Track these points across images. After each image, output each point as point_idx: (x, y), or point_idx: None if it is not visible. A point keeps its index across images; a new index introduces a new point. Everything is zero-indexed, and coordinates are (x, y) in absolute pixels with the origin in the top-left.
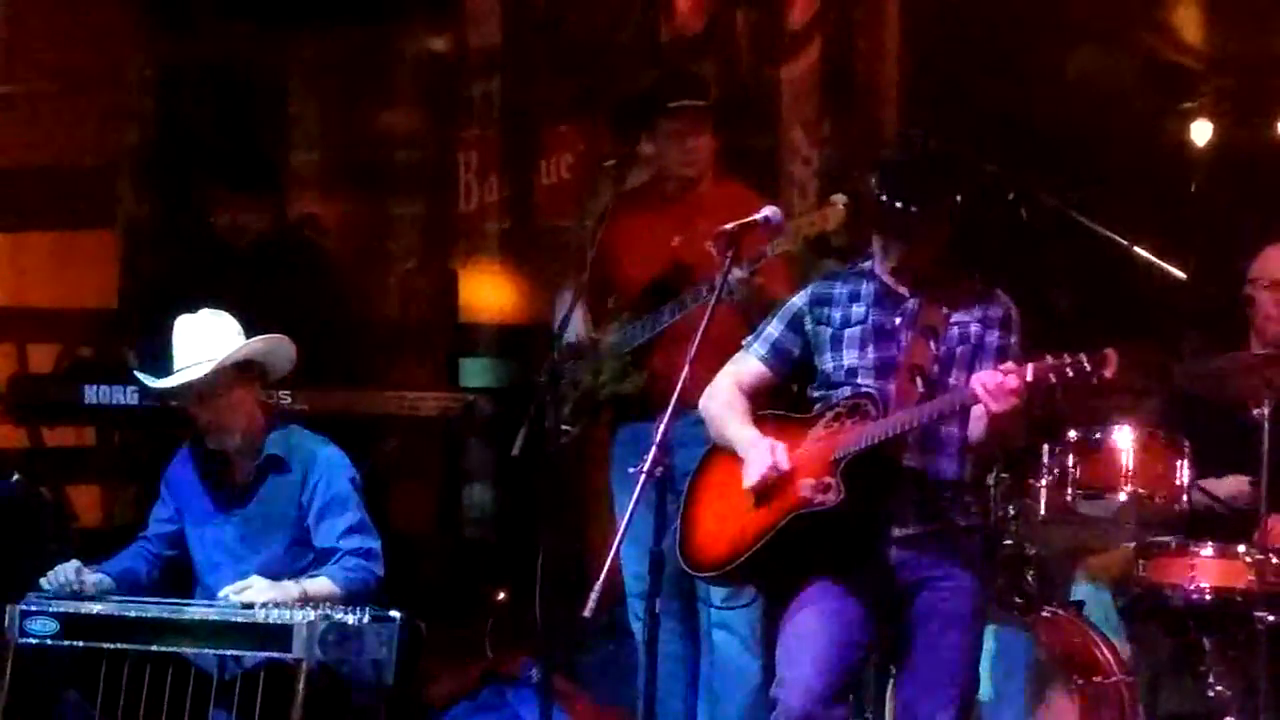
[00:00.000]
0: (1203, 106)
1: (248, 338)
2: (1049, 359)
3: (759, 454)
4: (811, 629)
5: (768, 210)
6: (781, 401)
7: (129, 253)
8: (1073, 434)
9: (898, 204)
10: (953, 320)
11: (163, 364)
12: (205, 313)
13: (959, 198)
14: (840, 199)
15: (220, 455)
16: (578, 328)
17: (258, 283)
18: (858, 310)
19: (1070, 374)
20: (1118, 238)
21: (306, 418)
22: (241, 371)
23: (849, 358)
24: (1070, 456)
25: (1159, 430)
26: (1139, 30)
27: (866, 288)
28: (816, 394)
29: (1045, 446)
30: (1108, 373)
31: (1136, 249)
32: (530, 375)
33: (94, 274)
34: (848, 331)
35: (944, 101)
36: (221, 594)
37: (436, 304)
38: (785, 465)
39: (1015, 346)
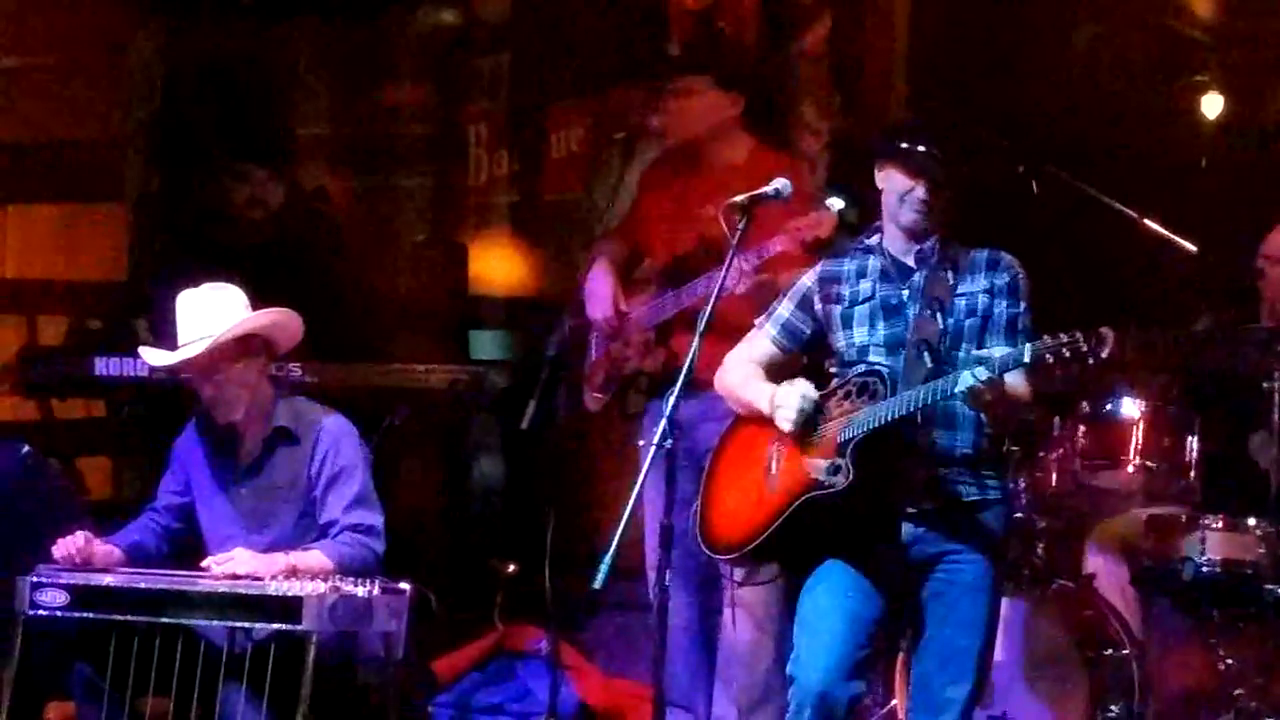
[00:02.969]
0: (1213, 80)
1: (256, 309)
2: (1046, 339)
3: (788, 396)
4: (827, 606)
5: (778, 182)
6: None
7: (137, 225)
8: (1083, 407)
9: (920, 147)
10: (960, 291)
11: (173, 338)
12: (208, 287)
13: (967, 169)
14: (836, 203)
15: (229, 428)
16: (611, 297)
17: (268, 255)
18: (865, 287)
19: (1068, 354)
20: (1128, 210)
21: (316, 390)
22: (243, 346)
23: (859, 335)
24: (1080, 429)
25: (1169, 403)
26: (1148, 4)
27: (873, 263)
28: (833, 371)
29: (1055, 419)
30: (1104, 352)
31: (1147, 222)
32: (540, 348)
33: (103, 247)
34: (857, 309)
35: (953, 75)
36: (204, 564)
37: (446, 277)
38: (814, 394)
39: (1025, 314)
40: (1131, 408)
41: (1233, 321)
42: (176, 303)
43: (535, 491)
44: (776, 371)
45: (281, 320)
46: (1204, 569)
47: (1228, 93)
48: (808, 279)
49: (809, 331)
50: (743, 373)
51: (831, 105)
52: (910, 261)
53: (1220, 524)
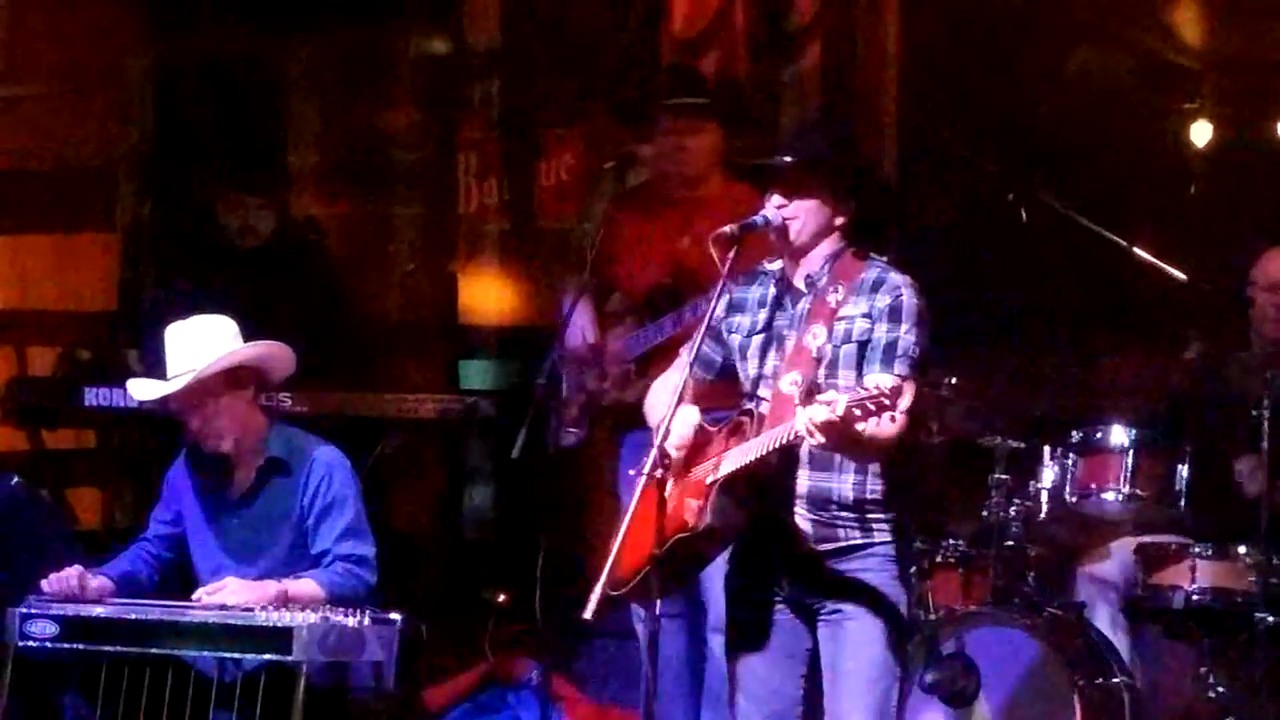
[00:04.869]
0: (1202, 107)
1: (249, 338)
2: (860, 390)
3: (677, 425)
4: (739, 661)
5: (767, 210)
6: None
7: (129, 255)
8: (1074, 435)
9: (773, 157)
10: (840, 315)
11: (164, 368)
12: (196, 319)
13: (857, 187)
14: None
15: (221, 459)
16: (584, 331)
17: (260, 283)
18: (762, 317)
19: (872, 407)
20: (1118, 239)
21: (307, 419)
22: (230, 379)
23: (753, 368)
24: (1071, 457)
25: (1159, 431)
26: (1138, 30)
27: (772, 290)
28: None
29: (1046, 448)
30: (903, 403)
31: (1136, 249)
32: (530, 377)
33: (94, 276)
34: (753, 340)
35: (944, 102)
36: (195, 595)
37: (436, 306)
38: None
39: (907, 337)
40: (1121, 436)
41: (1222, 348)
42: (165, 334)
43: (527, 520)
44: (703, 398)
45: (269, 353)
46: (1194, 597)
47: (1217, 119)
48: (720, 307)
49: (721, 360)
50: (652, 405)
51: None
52: (801, 285)
53: (1210, 552)
